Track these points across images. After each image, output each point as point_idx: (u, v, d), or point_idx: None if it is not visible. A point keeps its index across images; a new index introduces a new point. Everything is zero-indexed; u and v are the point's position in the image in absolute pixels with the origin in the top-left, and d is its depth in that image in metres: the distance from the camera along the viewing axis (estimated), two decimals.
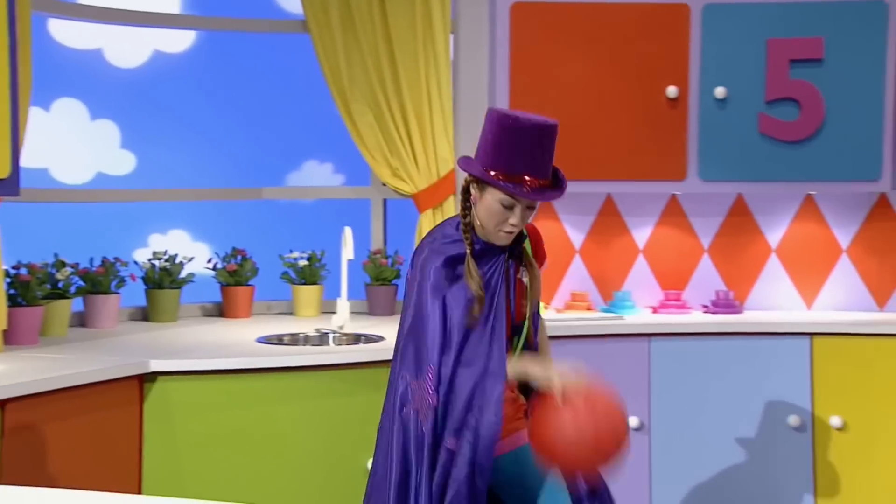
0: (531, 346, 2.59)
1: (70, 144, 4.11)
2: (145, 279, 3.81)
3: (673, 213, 4.19)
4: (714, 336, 3.78)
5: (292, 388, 3.12)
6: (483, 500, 2.33)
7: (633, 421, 3.74)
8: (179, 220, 4.36)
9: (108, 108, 4.19)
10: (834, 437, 3.75)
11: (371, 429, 3.17)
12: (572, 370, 2.37)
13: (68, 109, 4.11)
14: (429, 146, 4.02)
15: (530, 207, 2.41)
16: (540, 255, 2.61)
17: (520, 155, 2.36)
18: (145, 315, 3.86)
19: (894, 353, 3.71)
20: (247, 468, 3.07)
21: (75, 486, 2.63)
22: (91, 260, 3.69)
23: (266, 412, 3.09)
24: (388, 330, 3.63)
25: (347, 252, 3.54)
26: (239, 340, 3.43)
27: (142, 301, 3.86)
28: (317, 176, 4.58)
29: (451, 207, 4.05)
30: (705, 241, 4.19)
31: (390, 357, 3.21)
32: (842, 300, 4.14)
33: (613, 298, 4.09)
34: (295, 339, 3.56)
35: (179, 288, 3.83)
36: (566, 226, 4.19)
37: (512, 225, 2.39)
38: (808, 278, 4.17)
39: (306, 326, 3.70)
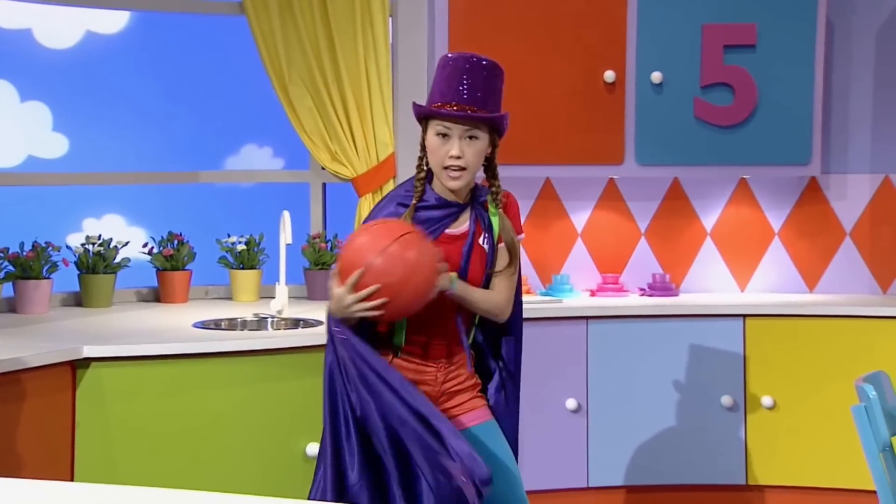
0: (488, 326, 2.53)
1: None
2: (78, 264, 3.75)
3: (611, 197, 4.23)
4: (650, 318, 3.84)
5: (230, 373, 3.10)
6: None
7: (571, 402, 3.78)
8: (114, 205, 4.29)
9: (39, 90, 4.10)
10: (765, 416, 3.84)
11: (310, 413, 3.17)
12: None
13: None
14: (368, 130, 4.01)
15: (470, 137, 2.36)
16: (515, 228, 2.52)
17: (449, 84, 2.38)
18: (78, 301, 3.80)
19: (824, 333, 3.80)
20: (183, 455, 3.04)
21: (5, 473, 2.59)
22: (21, 244, 3.61)
23: (203, 398, 3.06)
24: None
25: (286, 236, 3.52)
26: (175, 325, 3.40)
27: (75, 286, 3.80)
28: (256, 160, 4.54)
29: None
30: (642, 225, 4.25)
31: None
32: (774, 282, 4.23)
33: (552, 282, 4.13)
34: (233, 324, 3.53)
35: (114, 273, 3.77)
36: None
37: (452, 157, 2.34)
38: (742, 261, 4.25)
39: (244, 311, 3.68)
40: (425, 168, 2.43)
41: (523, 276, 4.10)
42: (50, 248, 3.64)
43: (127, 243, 3.84)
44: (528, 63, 3.91)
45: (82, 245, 3.76)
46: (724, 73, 3.92)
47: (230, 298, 4.02)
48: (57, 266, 3.64)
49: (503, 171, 4.03)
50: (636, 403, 3.81)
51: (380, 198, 4.02)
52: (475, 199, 2.46)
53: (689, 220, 4.25)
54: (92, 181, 3.98)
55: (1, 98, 4.03)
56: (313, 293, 4.05)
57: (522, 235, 2.57)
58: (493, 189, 2.49)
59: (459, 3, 3.88)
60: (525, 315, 3.76)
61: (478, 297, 2.44)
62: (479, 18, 3.90)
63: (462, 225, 2.42)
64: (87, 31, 4.14)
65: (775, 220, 4.23)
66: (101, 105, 4.17)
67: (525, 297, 3.96)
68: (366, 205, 4.02)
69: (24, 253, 3.58)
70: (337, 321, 2.33)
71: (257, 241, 4.03)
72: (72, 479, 2.94)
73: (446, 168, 2.37)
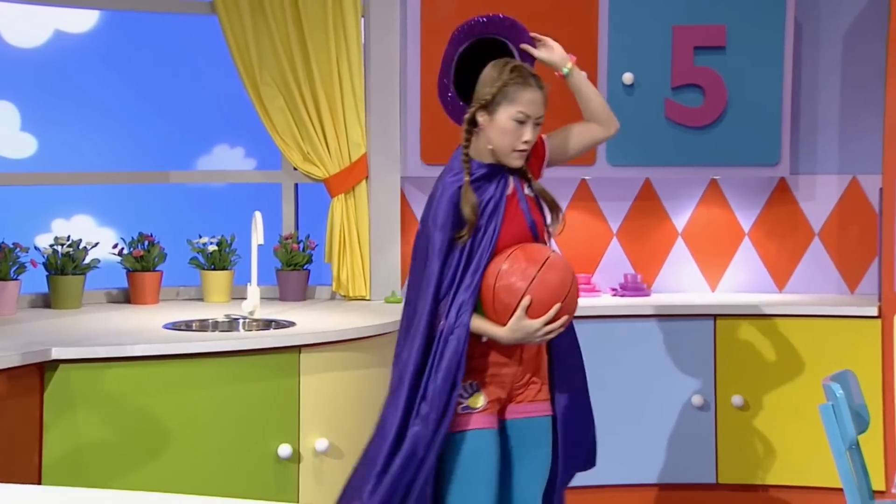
0: None
1: None
2: (47, 265, 3.71)
3: (583, 197, 4.25)
4: (622, 318, 3.85)
5: (201, 374, 3.08)
6: None
7: None
8: (84, 205, 4.25)
9: (7, 90, 4.06)
10: (735, 415, 3.87)
11: (282, 414, 3.16)
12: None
13: None
14: (340, 130, 4.00)
15: (537, 123, 2.54)
16: (539, 151, 2.69)
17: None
18: (47, 302, 3.76)
19: (793, 333, 3.84)
20: (153, 458, 3.02)
21: None
22: None
23: (174, 400, 3.04)
24: (299, 315, 3.61)
25: (258, 237, 3.50)
26: (145, 327, 3.37)
27: (44, 288, 3.76)
28: (227, 160, 4.52)
29: (364, 192, 4.04)
30: (614, 226, 4.26)
31: (301, 343, 3.22)
32: (744, 282, 4.26)
33: None
34: (204, 325, 3.51)
35: (83, 274, 3.74)
36: None
37: (525, 142, 2.52)
38: (713, 261, 4.28)
39: (216, 312, 3.66)
40: (484, 146, 2.56)
41: None
42: (18, 249, 3.61)
43: (96, 244, 3.81)
44: None
45: (51, 246, 3.72)
46: (694, 74, 3.94)
47: (201, 299, 4.00)
48: (25, 267, 3.61)
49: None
50: (607, 403, 3.82)
51: (352, 198, 4.03)
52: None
53: (661, 220, 4.27)
54: (61, 181, 3.95)
55: None
56: (285, 294, 4.03)
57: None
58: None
59: (432, 3, 3.88)
60: None
61: (593, 90, 2.79)
62: (451, 19, 3.89)
63: (509, 186, 2.59)
64: (56, 31, 4.10)
65: (745, 220, 4.27)
66: (70, 105, 4.14)
67: None
68: (338, 205, 4.01)
69: None
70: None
71: (229, 241, 4.01)
72: (39, 483, 2.91)
73: (515, 150, 2.53)
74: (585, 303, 3.95)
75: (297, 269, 4.03)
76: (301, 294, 4.04)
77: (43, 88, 4.08)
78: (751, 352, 3.86)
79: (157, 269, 3.91)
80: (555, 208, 2.67)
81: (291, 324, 3.44)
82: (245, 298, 3.60)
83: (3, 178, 3.87)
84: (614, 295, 4.14)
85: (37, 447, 2.91)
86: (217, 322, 3.54)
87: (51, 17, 4.06)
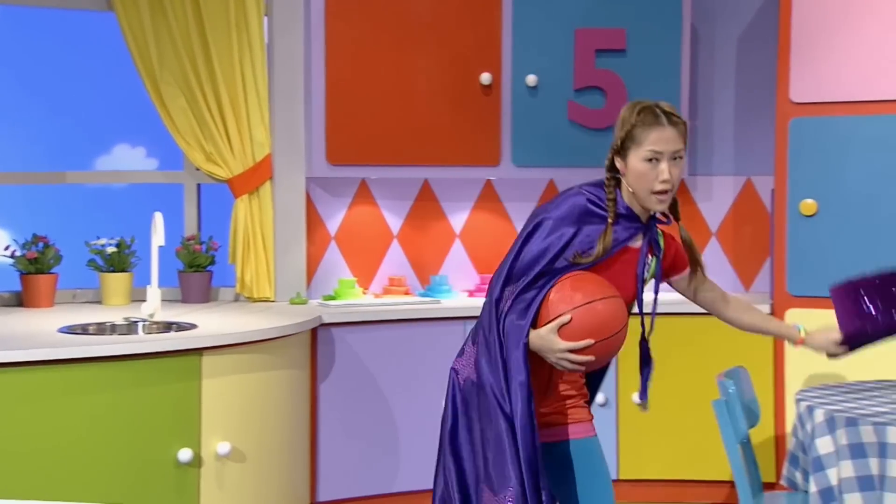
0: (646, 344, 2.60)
1: None
2: None
3: (488, 198, 4.29)
4: None
5: (98, 379, 3.01)
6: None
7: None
8: None
9: None
10: (636, 412, 3.94)
11: (182, 418, 3.10)
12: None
13: None
14: (244, 130, 3.96)
15: (676, 158, 2.44)
16: (679, 264, 2.60)
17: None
18: None
19: (689, 330, 3.91)
20: (51, 464, 2.94)
21: None
22: None
23: (71, 405, 2.97)
24: (201, 317, 3.56)
25: (158, 238, 3.44)
26: (39, 331, 3.28)
27: None
28: (128, 160, 4.43)
29: (268, 192, 4.00)
30: (519, 226, 4.30)
31: (203, 345, 3.17)
32: None
33: (430, 283, 4.15)
34: (101, 329, 3.42)
35: None
36: (384, 211, 4.22)
37: (663, 182, 2.41)
38: None
39: (114, 315, 3.58)
40: (615, 185, 2.49)
41: (402, 277, 4.15)
42: None
43: None
44: (405, 64, 3.93)
45: None
46: (596, 76, 4.01)
47: (100, 303, 3.90)
48: None
49: (381, 173, 4.07)
50: None
51: (257, 199, 3.99)
52: (651, 219, 2.51)
53: None
54: None
55: None
56: (188, 296, 3.97)
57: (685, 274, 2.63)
58: (674, 204, 2.52)
59: (335, 3, 3.86)
60: (403, 316, 3.81)
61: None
62: (356, 19, 3.89)
63: (638, 241, 2.49)
64: None
65: None
66: None
67: (403, 299, 4.00)
68: (242, 206, 3.97)
69: None
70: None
71: (128, 243, 3.93)
72: None
73: (656, 193, 2.42)
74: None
75: (199, 271, 3.97)
76: (204, 296, 3.98)
77: None
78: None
79: (51, 271, 3.80)
80: (695, 263, 2.59)
81: (193, 326, 3.38)
82: (145, 301, 3.53)
83: None
84: None
85: None
86: (115, 325, 3.47)
87: None
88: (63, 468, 2.96)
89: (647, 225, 2.48)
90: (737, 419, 2.78)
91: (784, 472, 2.87)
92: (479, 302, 4.03)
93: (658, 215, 2.50)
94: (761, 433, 3.81)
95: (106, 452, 3.01)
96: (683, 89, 4.08)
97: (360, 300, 3.95)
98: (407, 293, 4.08)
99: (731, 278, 4.33)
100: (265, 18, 3.98)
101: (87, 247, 3.90)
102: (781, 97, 3.81)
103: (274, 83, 4.01)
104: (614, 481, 3.89)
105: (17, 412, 2.91)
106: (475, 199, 4.28)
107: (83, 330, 3.35)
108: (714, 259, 4.34)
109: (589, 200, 2.47)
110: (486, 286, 4.10)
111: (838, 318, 2.70)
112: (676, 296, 3.91)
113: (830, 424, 2.57)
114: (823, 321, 3.73)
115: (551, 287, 2.37)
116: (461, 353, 2.53)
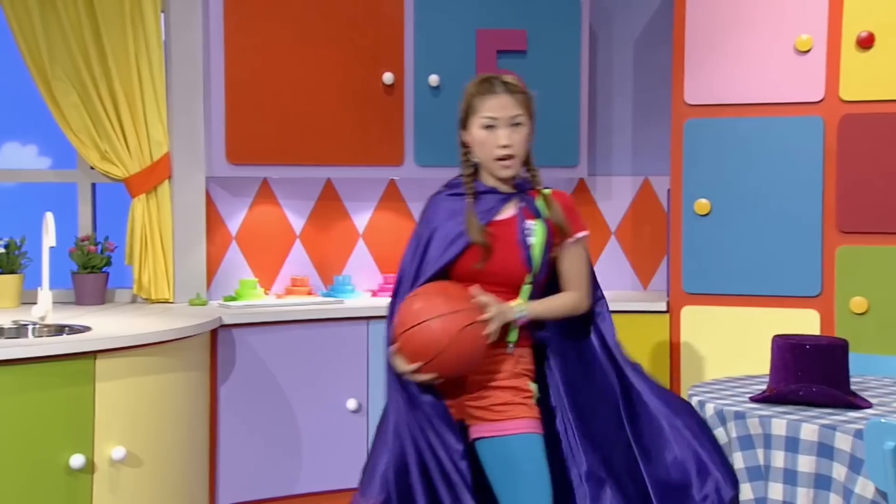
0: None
1: None
2: None
3: (392, 197, 4.28)
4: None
5: None
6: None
7: (352, 403, 3.80)
8: None
9: None
10: None
11: (74, 423, 3.01)
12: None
13: None
14: (141, 129, 3.87)
15: (515, 124, 2.45)
16: (574, 224, 2.52)
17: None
18: None
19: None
20: None
21: None
22: None
23: None
24: (95, 319, 3.46)
25: (49, 239, 3.34)
26: None
27: None
28: (19, 158, 4.29)
29: (167, 192, 3.92)
30: None
31: (96, 348, 3.08)
32: None
33: (334, 283, 4.13)
34: None
35: None
36: (286, 211, 4.18)
37: (501, 147, 2.43)
38: None
39: (3, 318, 3.46)
40: (472, 163, 2.51)
41: (305, 277, 4.11)
42: None
43: None
44: (307, 63, 3.90)
45: None
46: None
47: None
48: None
49: (283, 172, 4.03)
50: None
51: (154, 199, 3.90)
52: (520, 189, 2.50)
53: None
54: None
55: None
56: (81, 298, 3.86)
57: (586, 233, 2.56)
58: (532, 174, 2.53)
59: (234, 0, 3.81)
60: (306, 317, 3.78)
61: (551, 307, 2.49)
62: (255, 17, 3.85)
63: (508, 212, 2.48)
64: None
65: None
66: None
67: (306, 299, 3.96)
68: (139, 206, 3.88)
69: None
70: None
71: (18, 243, 3.80)
72: None
73: (498, 159, 2.45)
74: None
75: (94, 272, 3.87)
76: (99, 298, 3.88)
77: None
78: None
79: None
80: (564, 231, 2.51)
81: (87, 328, 3.29)
82: (36, 303, 3.42)
83: None
84: None
85: None
86: (3, 328, 3.35)
87: None
88: None
89: (513, 194, 2.50)
90: None
91: None
92: (382, 302, 4.01)
93: (528, 188, 2.50)
94: None
95: None
96: (583, 90, 4.15)
97: (262, 301, 3.90)
98: (310, 293, 4.05)
99: (629, 277, 4.42)
100: (162, 14, 3.90)
101: None
102: (676, 99, 3.91)
103: (172, 80, 3.93)
104: None
105: None
106: (378, 198, 4.27)
107: None
108: (613, 258, 4.42)
109: (448, 192, 2.52)
110: (381, 288, 4.12)
111: (772, 370, 2.69)
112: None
113: (721, 417, 2.64)
114: (716, 318, 3.85)
115: (402, 303, 2.40)
116: None
